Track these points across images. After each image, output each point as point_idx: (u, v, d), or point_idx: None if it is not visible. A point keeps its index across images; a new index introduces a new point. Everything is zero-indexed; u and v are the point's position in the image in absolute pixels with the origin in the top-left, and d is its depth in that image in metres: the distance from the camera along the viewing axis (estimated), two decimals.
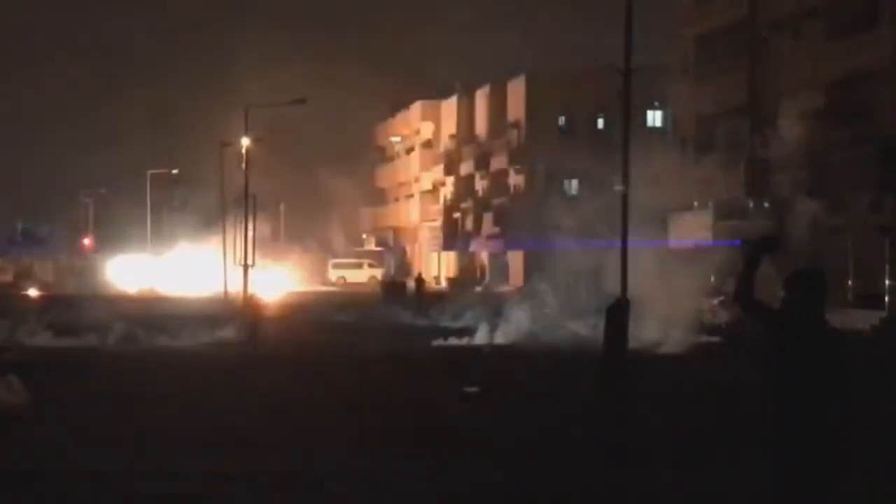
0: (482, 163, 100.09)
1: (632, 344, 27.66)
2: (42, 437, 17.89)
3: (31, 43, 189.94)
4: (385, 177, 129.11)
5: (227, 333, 39.54)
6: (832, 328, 8.29)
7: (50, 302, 59.08)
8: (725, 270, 51.40)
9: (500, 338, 38.68)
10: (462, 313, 44.88)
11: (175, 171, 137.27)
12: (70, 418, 20.00)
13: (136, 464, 15.67)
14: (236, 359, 32.17)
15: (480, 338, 38.66)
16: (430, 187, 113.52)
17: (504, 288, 73.93)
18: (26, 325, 38.71)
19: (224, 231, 70.87)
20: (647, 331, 34.96)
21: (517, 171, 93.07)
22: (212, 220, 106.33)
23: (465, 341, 38.29)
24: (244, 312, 42.05)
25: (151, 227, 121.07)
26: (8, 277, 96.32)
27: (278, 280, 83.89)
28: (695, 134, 59.87)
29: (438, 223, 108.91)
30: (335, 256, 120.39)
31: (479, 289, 76.63)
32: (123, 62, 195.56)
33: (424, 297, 62.76)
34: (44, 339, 36.65)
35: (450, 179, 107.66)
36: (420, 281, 72.39)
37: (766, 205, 53.17)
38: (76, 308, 48.46)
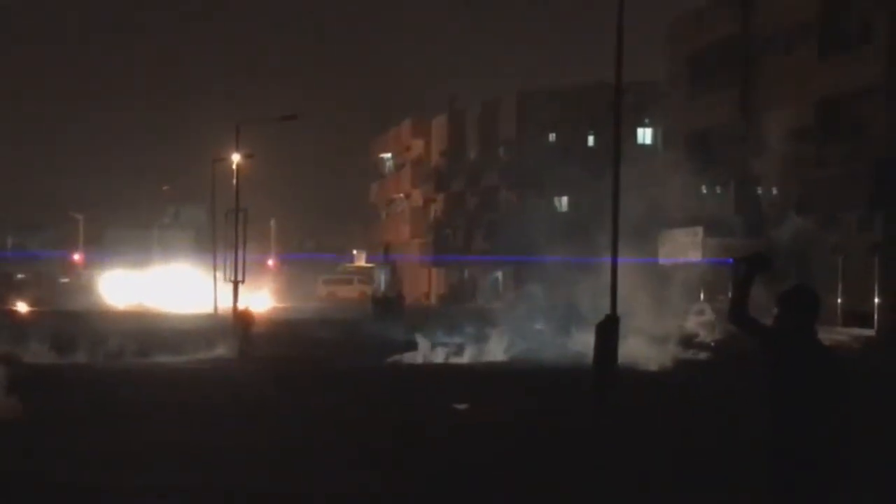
0: (473, 180, 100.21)
1: (621, 360, 27.69)
2: (28, 450, 17.86)
3: (22, 60, 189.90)
4: (376, 193, 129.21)
5: (218, 349, 39.52)
6: (823, 345, 8.33)
7: (41, 317, 58.99)
8: (715, 287, 51.55)
9: (490, 354, 38.67)
10: (454, 329, 44.86)
11: (166, 188, 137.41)
12: (59, 432, 19.97)
13: (123, 479, 15.66)
14: (227, 375, 32.14)
15: (471, 354, 38.64)
16: (420, 204, 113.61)
17: (495, 304, 73.93)
18: (20, 340, 38.51)
19: (214, 247, 70.85)
20: (636, 347, 34.99)
21: (508, 188, 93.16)
22: (202, 235, 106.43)
23: (455, 357, 38.25)
24: (235, 329, 41.99)
25: (142, 243, 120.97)
26: None
27: (269, 296, 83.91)
28: (686, 150, 59.98)
29: (429, 239, 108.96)
30: (325, 272, 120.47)
31: (470, 305, 76.65)
32: (114, 78, 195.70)
33: (404, 313, 63.11)
34: (36, 354, 36.47)
35: (440, 196, 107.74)
36: (400, 297, 72.72)
37: (757, 222, 53.24)
38: (67, 324, 48.40)
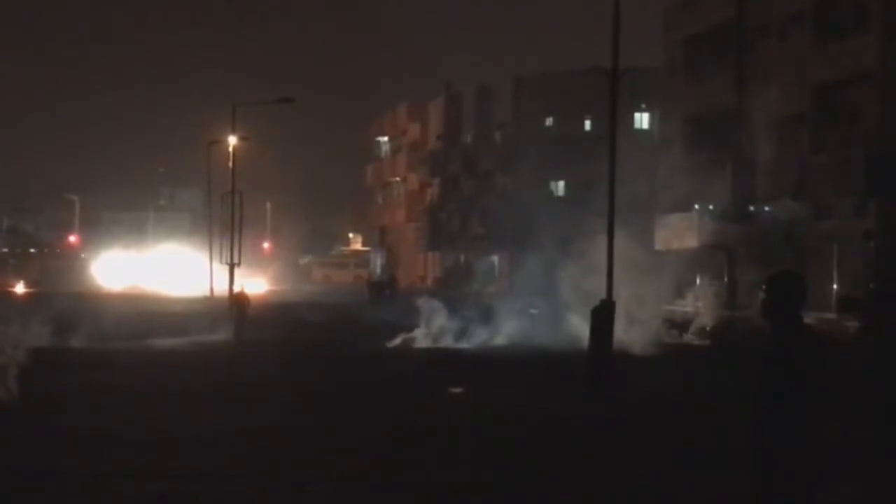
0: (469, 164, 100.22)
1: (616, 344, 27.71)
2: (23, 435, 17.90)
3: (20, 40, 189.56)
4: (372, 177, 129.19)
5: (214, 332, 39.52)
6: (811, 331, 8.34)
7: (38, 300, 58.95)
8: (711, 271, 51.62)
9: (486, 338, 38.68)
10: (451, 314, 44.83)
11: (162, 170, 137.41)
12: (53, 417, 20.01)
13: (116, 463, 15.70)
14: (223, 358, 32.17)
15: (467, 337, 38.64)
16: (416, 187, 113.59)
17: (491, 288, 74.00)
18: (21, 323, 38.21)
19: (210, 230, 70.83)
20: (631, 332, 35.02)
21: (504, 173, 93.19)
22: (198, 218, 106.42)
23: (451, 341, 38.25)
24: (230, 312, 42.01)
25: (138, 225, 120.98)
26: None
27: (264, 279, 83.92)
28: (682, 136, 60.00)
29: (425, 223, 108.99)
30: (320, 255, 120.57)
31: (466, 288, 76.66)
32: (110, 60, 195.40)
33: (398, 296, 63.32)
34: (35, 337, 36.16)
35: (436, 180, 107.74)
36: (393, 280, 73.06)
37: (752, 207, 53.30)
38: (64, 306, 48.37)
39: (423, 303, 39.36)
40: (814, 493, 8.18)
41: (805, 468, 8.12)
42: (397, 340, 37.71)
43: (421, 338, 38.26)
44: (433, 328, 39.03)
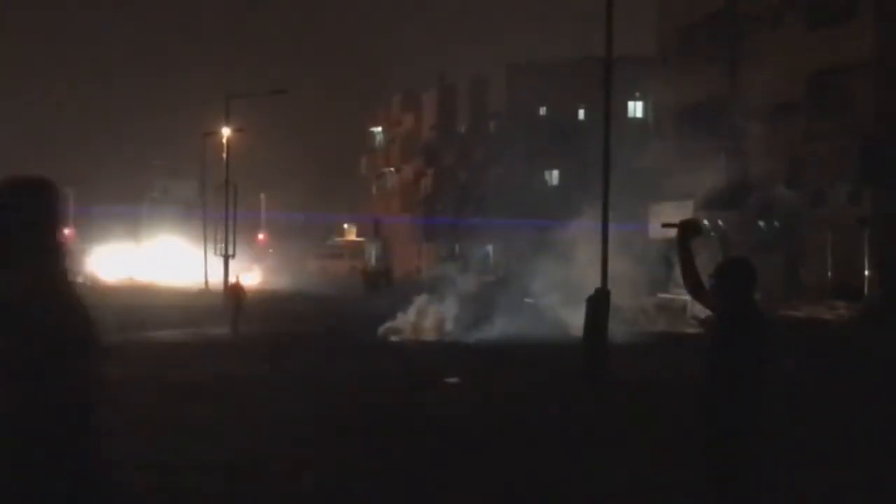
0: (463, 154, 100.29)
1: (611, 334, 27.78)
2: None
3: (11, 34, 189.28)
4: (367, 167, 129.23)
5: (210, 325, 39.55)
6: (761, 313, 8.33)
7: None
8: (705, 261, 51.66)
9: (483, 328, 38.71)
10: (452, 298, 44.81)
11: (158, 162, 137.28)
12: None
13: (116, 455, 15.70)
14: (220, 350, 32.20)
15: (464, 328, 38.66)
16: (411, 178, 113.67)
17: (486, 278, 73.95)
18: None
19: (205, 221, 70.86)
20: (625, 320, 35.05)
21: (498, 162, 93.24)
22: (192, 210, 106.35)
23: (448, 332, 38.29)
24: (226, 304, 42.07)
25: (132, 218, 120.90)
26: None
27: (259, 271, 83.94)
28: (675, 124, 59.99)
29: (420, 214, 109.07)
30: (316, 246, 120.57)
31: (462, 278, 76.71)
32: (103, 52, 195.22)
33: (393, 286, 63.54)
34: None
35: (430, 170, 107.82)
36: (388, 271, 73.41)
37: (746, 195, 53.35)
38: None
39: (434, 273, 39.39)
40: (751, 474, 8.22)
41: (751, 447, 8.17)
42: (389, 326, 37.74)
43: (411, 327, 38.29)
44: (441, 306, 38.92)
